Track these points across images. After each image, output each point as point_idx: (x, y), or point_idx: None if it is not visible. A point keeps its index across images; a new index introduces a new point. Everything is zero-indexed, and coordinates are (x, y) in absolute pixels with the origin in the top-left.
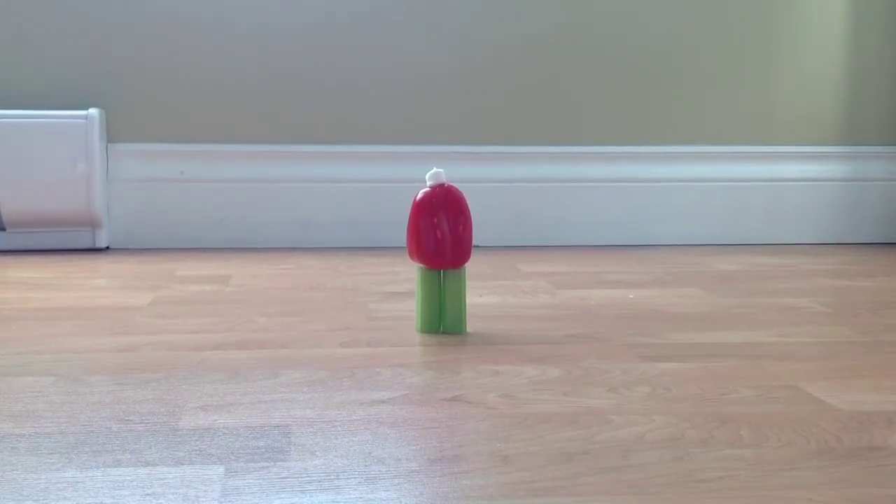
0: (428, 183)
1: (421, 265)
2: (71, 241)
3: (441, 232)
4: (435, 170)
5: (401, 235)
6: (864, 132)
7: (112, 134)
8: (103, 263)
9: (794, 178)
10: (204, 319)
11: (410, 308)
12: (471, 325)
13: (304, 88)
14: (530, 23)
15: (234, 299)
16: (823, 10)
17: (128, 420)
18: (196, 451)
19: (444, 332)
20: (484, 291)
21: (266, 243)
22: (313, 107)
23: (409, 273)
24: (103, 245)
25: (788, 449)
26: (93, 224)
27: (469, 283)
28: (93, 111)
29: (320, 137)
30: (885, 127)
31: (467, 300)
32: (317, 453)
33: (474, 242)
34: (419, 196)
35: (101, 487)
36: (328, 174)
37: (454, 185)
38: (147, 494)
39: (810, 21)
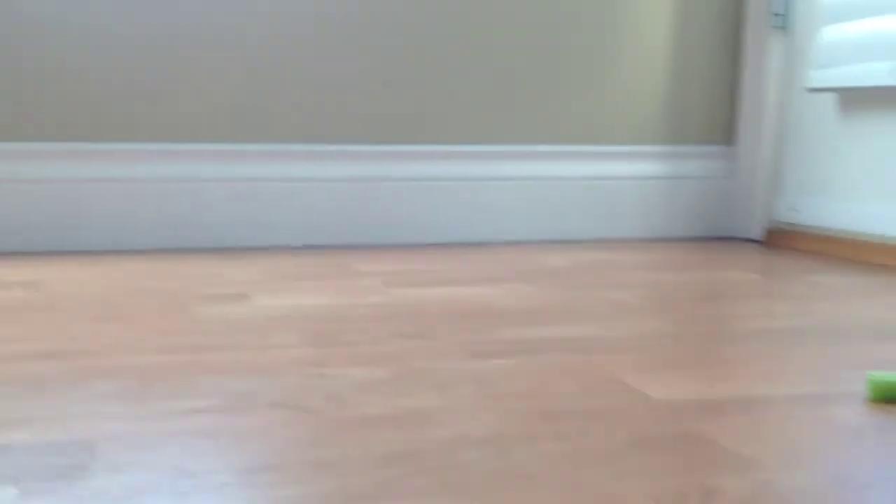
0: None
1: None
2: None
3: None
4: None
5: (223, 235)
6: (682, 133)
7: None
8: None
9: (621, 177)
10: (7, 328)
11: (237, 311)
12: (301, 326)
13: (100, 86)
14: (369, 24)
15: (44, 306)
16: (650, 24)
17: None
18: None
19: None
20: (315, 292)
21: (82, 245)
22: (133, 104)
23: (236, 275)
24: None
25: (608, 441)
26: None
27: (301, 284)
28: None
29: (135, 135)
30: (701, 128)
31: (304, 301)
32: (122, 469)
33: (306, 242)
34: None
35: None
36: (148, 173)
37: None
38: None
39: (638, 33)
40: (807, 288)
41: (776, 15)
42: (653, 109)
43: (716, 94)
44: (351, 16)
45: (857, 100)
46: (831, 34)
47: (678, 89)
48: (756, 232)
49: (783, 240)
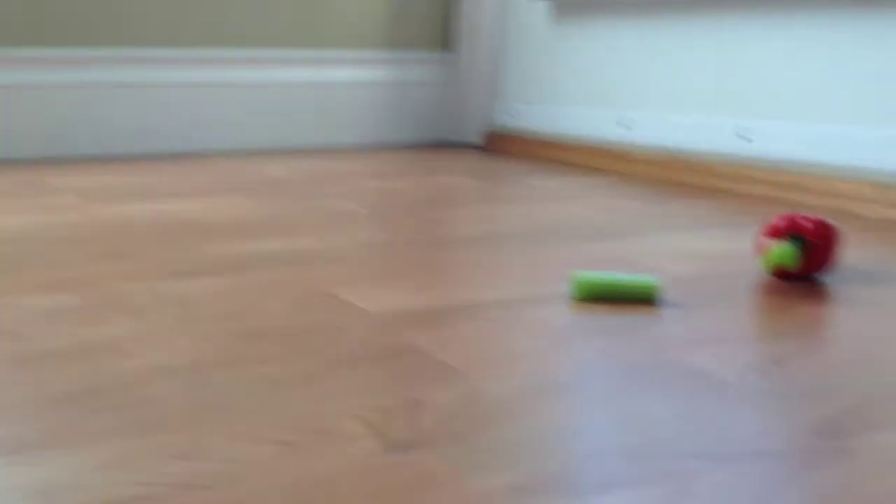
0: None
1: None
2: None
3: None
4: None
5: None
6: (403, 38)
7: None
8: None
9: (342, 83)
10: None
11: None
12: None
13: None
14: None
15: None
16: None
17: None
18: None
19: None
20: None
21: None
22: None
23: None
24: None
25: (316, 360)
26: None
27: None
28: None
29: None
30: (422, 34)
31: None
32: None
33: None
34: None
35: None
36: None
37: None
38: None
39: None
40: (522, 191)
41: None
42: (373, 14)
43: (435, 0)
44: None
45: (568, 6)
46: None
47: None
48: (476, 137)
49: (501, 144)
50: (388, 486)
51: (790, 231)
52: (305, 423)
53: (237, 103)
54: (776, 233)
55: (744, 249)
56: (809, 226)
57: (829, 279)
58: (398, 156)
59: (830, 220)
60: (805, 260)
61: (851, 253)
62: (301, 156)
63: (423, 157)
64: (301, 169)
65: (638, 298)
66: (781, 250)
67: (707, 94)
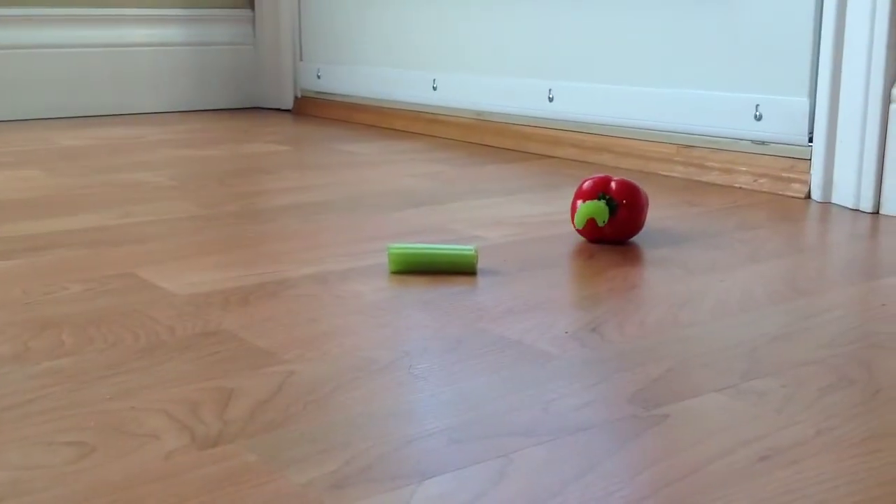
0: None
1: None
2: None
3: None
4: None
5: None
6: None
7: None
8: None
9: (140, 44)
10: None
11: None
12: None
13: None
14: None
15: None
16: None
17: None
18: None
19: None
20: None
21: None
22: None
23: None
24: None
25: (113, 351)
26: None
27: None
28: None
29: None
30: None
31: None
32: None
33: None
34: None
35: None
36: None
37: None
38: None
39: None
40: (334, 158)
41: None
42: None
43: None
44: None
45: None
46: None
47: None
48: (285, 101)
49: (311, 108)
50: (196, 485)
51: (599, 193)
52: (104, 422)
53: (22, 67)
54: (586, 196)
55: (556, 214)
56: (616, 188)
57: (638, 241)
58: (205, 122)
59: (636, 182)
60: (614, 221)
61: (658, 213)
62: (99, 123)
63: (231, 123)
64: (99, 138)
65: (456, 268)
66: (590, 205)
67: (516, 56)
